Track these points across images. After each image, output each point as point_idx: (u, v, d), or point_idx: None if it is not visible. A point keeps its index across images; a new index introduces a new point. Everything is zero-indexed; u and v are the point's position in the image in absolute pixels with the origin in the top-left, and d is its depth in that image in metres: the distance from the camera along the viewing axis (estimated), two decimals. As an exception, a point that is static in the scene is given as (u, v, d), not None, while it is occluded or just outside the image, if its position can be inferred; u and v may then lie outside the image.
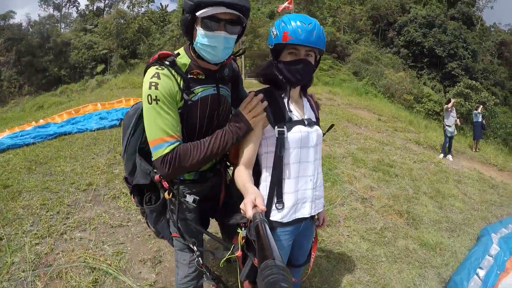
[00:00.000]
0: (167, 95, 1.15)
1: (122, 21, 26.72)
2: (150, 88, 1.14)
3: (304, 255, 1.62)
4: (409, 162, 5.95)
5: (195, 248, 1.38)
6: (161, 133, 1.15)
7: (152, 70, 1.18)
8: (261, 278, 0.57)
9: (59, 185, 3.51)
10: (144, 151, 1.37)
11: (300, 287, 2.13)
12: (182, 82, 1.19)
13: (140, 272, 2.42)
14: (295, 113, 1.37)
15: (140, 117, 1.31)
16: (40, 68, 23.15)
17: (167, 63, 1.18)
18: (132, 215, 3.12)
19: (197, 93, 1.24)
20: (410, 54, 27.95)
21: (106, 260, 2.46)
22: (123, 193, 3.44)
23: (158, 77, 1.15)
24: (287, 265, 1.57)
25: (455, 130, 7.77)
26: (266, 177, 1.35)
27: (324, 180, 4.32)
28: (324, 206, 1.60)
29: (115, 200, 3.32)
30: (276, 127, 1.30)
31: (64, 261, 2.40)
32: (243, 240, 1.19)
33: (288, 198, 1.35)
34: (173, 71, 1.17)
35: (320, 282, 2.52)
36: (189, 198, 1.36)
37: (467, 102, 18.09)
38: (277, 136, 1.29)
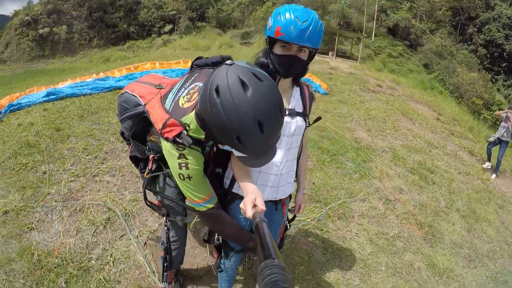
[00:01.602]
0: (198, 167, 1.21)
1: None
2: (180, 168, 1.20)
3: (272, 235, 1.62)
4: (453, 172, 5.34)
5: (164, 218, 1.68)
6: (202, 193, 1.26)
7: (173, 150, 1.19)
8: (261, 278, 0.57)
9: (103, 133, 3.80)
10: (136, 136, 1.57)
11: None
12: (201, 148, 1.21)
13: (147, 220, 2.66)
14: None
15: (132, 117, 1.54)
16: (110, 23, 24.10)
17: (181, 141, 1.16)
18: None
19: (209, 145, 1.30)
20: (488, 55, 25.15)
21: (123, 204, 2.73)
22: None
23: (185, 157, 1.18)
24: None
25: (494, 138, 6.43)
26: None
27: (354, 172, 4.24)
28: (303, 193, 1.70)
29: None
30: None
31: (88, 199, 2.71)
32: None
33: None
34: (194, 149, 1.19)
35: (305, 272, 2.49)
36: (170, 182, 1.59)
37: None
38: None
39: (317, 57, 13.29)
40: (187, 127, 1.15)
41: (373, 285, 2.55)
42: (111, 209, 2.62)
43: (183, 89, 1.26)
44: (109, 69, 7.78)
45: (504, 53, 24.43)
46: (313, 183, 3.65)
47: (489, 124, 13.32)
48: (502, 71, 24.73)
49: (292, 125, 1.39)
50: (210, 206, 1.28)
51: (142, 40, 21.84)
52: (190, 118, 1.16)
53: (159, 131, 1.20)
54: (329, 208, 3.29)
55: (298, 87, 1.47)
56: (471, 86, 14.58)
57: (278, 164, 1.40)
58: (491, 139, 6.36)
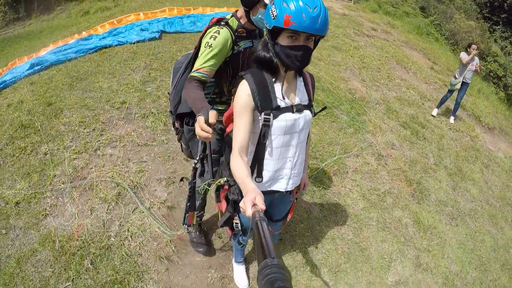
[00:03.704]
0: (221, 46, 1.63)
1: None
2: (210, 38, 1.63)
3: (281, 214, 1.78)
4: (444, 127, 5.50)
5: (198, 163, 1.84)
6: (201, 64, 1.62)
7: (214, 29, 1.66)
8: (261, 277, 0.58)
9: (97, 102, 3.69)
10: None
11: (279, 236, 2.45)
12: (233, 37, 1.68)
13: (155, 190, 2.75)
14: (285, 99, 1.34)
15: (188, 64, 1.80)
16: None
17: (223, 23, 1.68)
18: (157, 135, 3.33)
19: (241, 46, 1.72)
20: (488, 4, 23.28)
21: (130, 177, 2.78)
22: (151, 113, 3.60)
23: (218, 33, 1.64)
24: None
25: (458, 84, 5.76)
26: (251, 152, 1.42)
27: (348, 126, 4.36)
28: (307, 172, 1.78)
29: (144, 119, 3.50)
30: (262, 114, 1.29)
31: (95, 176, 2.74)
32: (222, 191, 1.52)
33: (266, 175, 1.44)
34: (230, 30, 1.66)
35: (305, 229, 2.72)
36: (216, 126, 1.80)
37: None
38: (262, 123, 1.30)
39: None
40: (227, 18, 1.71)
41: (364, 239, 2.82)
42: (119, 184, 2.69)
43: None
44: (90, 24, 7.31)
45: (505, 4, 22.34)
46: (310, 140, 3.78)
47: (481, 75, 13.14)
48: (500, 22, 23.36)
49: (301, 120, 1.37)
50: (195, 74, 1.61)
51: (122, -14, 19.97)
52: (230, 18, 1.73)
53: (210, 24, 1.71)
54: (325, 164, 3.46)
55: (301, 77, 1.43)
56: (468, 34, 14.00)
57: (292, 159, 1.44)
58: (458, 85, 5.69)
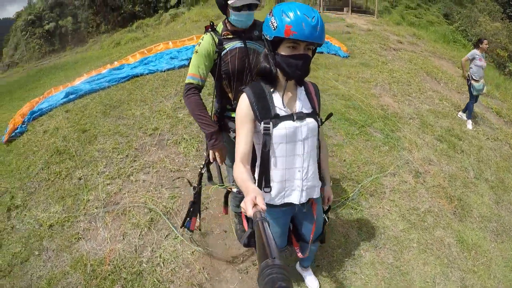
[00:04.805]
0: (205, 49, 1.73)
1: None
2: (197, 45, 1.77)
3: (310, 231, 1.71)
4: (481, 137, 5.16)
5: (204, 168, 1.96)
6: (192, 70, 1.76)
7: (201, 36, 1.80)
8: (262, 277, 0.58)
9: (129, 129, 3.81)
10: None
11: (313, 259, 2.30)
12: (217, 40, 1.75)
13: None
14: (285, 108, 1.36)
15: None
16: (114, 6, 23.39)
17: (210, 29, 1.79)
18: (190, 161, 3.35)
19: (226, 48, 1.76)
20: (511, 2, 22.26)
21: (162, 202, 2.79)
22: (184, 139, 3.64)
23: (202, 39, 1.76)
24: (298, 241, 1.80)
25: (485, 86, 5.57)
26: (258, 164, 1.46)
27: (383, 144, 4.20)
28: (331, 185, 1.77)
29: (176, 146, 3.54)
30: (262, 123, 1.33)
31: (128, 201, 2.77)
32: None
33: (275, 186, 1.44)
34: (212, 34, 1.76)
35: (342, 254, 2.56)
36: (231, 134, 1.88)
37: None
38: (262, 132, 1.34)
39: (331, 15, 12.59)
40: (214, 25, 1.81)
41: (405, 262, 2.62)
42: (152, 209, 2.69)
43: None
44: (122, 54, 7.72)
45: (528, -1, 21.96)
46: (344, 160, 3.63)
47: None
48: None
49: (303, 128, 1.37)
50: (189, 81, 1.74)
51: (149, 18, 21.24)
52: (219, 24, 1.84)
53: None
54: (361, 185, 3.31)
55: (302, 87, 1.44)
56: (495, 37, 13.45)
57: (301, 169, 1.43)
58: (485, 89, 5.49)
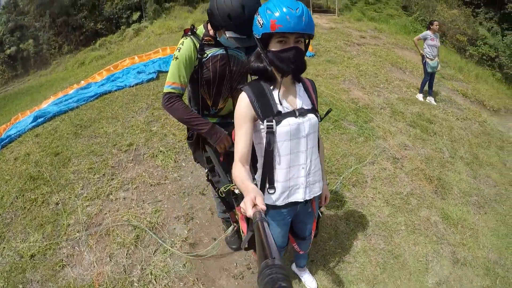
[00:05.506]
0: (186, 55, 1.65)
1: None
2: (176, 50, 1.68)
3: (308, 229, 1.74)
4: (451, 118, 5.43)
5: (209, 175, 1.89)
6: (171, 79, 1.67)
7: (180, 40, 1.70)
8: (261, 278, 0.57)
9: (103, 147, 3.69)
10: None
11: (307, 255, 2.30)
12: (198, 45, 1.68)
13: (175, 228, 2.64)
14: (286, 105, 1.35)
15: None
16: (76, 25, 22.66)
17: (190, 34, 1.70)
18: (169, 173, 3.27)
19: (208, 54, 1.70)
20: None
21: (146, 218, 2.70)
22: (160, 151, 3.57)
23: (182, 44, 1.67)
24: (294, 239, 1.80)
25: (439, 64, 6.10)
26: (260, 165, 1.42)
27: (358, 135, 4.28)
28: (327, 183, 1.74)
29: (153, 159, 3.46)
30: (265, 121, 1.31)
31: (110, 221, 2.66)
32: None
33: (280, 185, 1.41)
34: (193, 38, 1.68)
35: (335, 246, 2.59)
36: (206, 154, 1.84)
37: None
38: (266, 130, 1.31)
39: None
40: (194, 29, 1.72)
41: (396, 245, 2.68)
42: (136, 226, 2.60)
43: None
44: (87, 73, 7.49)
45: (482, -16, 23.33)
46: (323, 147, 3.71)
47: (475, 60, 13.17)
48: (482, 4, 23.76)
49: (306, 124, 1.36)
50: (169, 90, 1.66)
51: (112, 34, 20.76)
52: (199, 27, 1.75)
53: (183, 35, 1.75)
54: (343, 177, 3.37)
55: (300, 83, 1.44)
56: (453, 23, 14.21)
57: (304, 166, 1.41)
58: (439, 66, 6.04)
